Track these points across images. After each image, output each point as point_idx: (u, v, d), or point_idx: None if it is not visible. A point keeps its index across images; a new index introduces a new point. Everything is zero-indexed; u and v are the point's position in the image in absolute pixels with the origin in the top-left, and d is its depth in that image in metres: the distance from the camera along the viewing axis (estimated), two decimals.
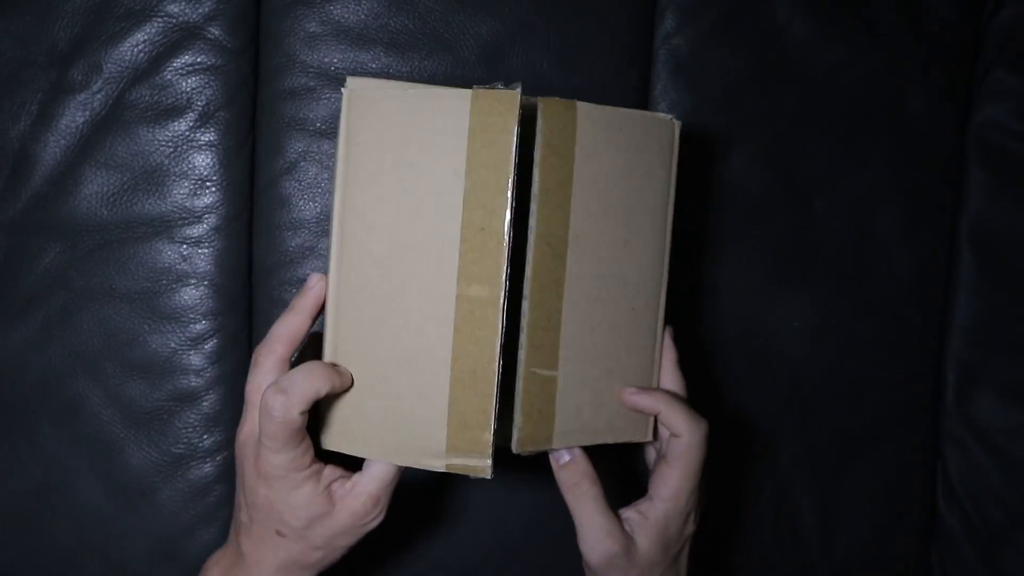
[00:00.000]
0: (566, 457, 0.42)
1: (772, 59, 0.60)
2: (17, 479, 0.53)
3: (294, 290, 0.55)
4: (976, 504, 0.62)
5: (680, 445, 0.42)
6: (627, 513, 0.43)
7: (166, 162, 0.54)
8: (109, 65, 0.53)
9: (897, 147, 0.62)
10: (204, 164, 0.54)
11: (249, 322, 0.55)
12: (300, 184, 0.55)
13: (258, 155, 0.55)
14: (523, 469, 0.57)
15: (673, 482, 0.42)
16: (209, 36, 0.54)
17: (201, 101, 0.54)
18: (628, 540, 0.42)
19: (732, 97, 0.59)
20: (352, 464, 0.40)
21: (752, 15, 0.60)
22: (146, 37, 0.53)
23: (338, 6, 0.55)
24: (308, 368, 0.37)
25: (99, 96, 0.53)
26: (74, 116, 0.53)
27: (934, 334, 0.64)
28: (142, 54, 0.53)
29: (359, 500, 0.39)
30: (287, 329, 0.40)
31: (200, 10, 0.54)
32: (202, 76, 0.54)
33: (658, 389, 0.44)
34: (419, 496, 0.56)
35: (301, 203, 0.55)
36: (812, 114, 0.60)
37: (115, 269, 0.53)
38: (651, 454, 0.47)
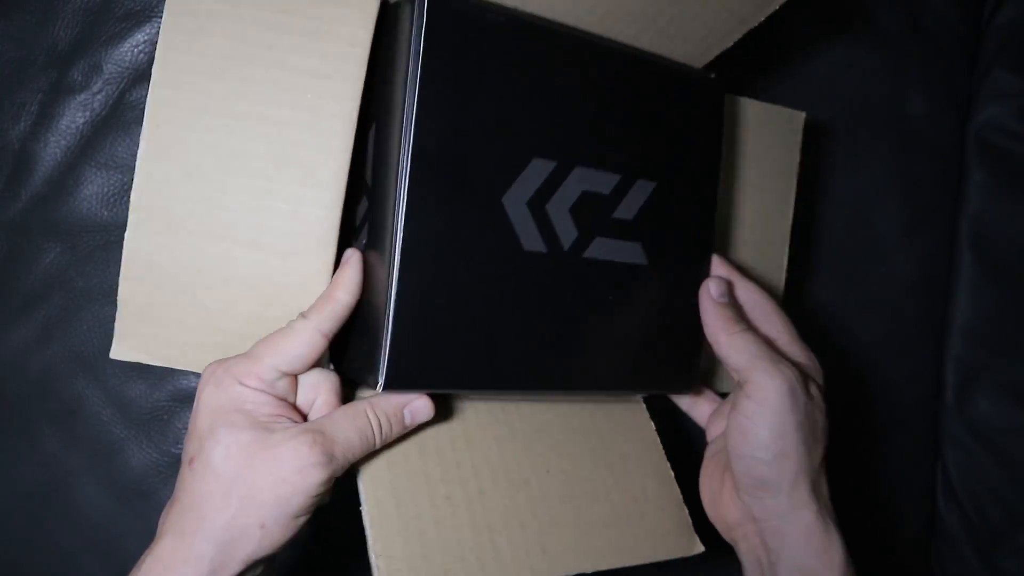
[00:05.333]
0: (725, 296, 0.42)
1: (772, 59, 0.60)
2: (17, 479, 0.53)
3: None
4: (976, 504, 0.62)
5: (759, 306, 0.43)
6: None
7: None
8: (109, 65, 0.53)
9: (897, 147, 0.62)
10: None
11: None
12: None
13: None
14: None
15: (795, 344, 0.42)
16: None
17: None
18: (802, 371, 0.39)
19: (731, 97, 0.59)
20: None
21: None
22: (146, 37, 0.53)
23: None
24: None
25: (99, 96, 0.53)
26: (74, 116, 0.53)
27: (934, 334, 0.64)
28: (142, 54, 0.53)
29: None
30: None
31: None
32: None
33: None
34: None
35: None
36: (811, 114, 0.60)
37: (115, 269, 0.52)
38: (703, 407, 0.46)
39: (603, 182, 0.40)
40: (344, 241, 0.39)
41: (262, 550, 0.35)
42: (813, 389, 0.39)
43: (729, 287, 0.42)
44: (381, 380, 0.35)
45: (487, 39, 0.36)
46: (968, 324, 0.63)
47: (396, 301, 0.35)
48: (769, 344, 0.41)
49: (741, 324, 0.40)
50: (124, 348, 0.37)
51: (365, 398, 0.38)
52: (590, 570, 0.41)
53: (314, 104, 0.37)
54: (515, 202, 0.37)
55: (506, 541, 0.40)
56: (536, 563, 0.40)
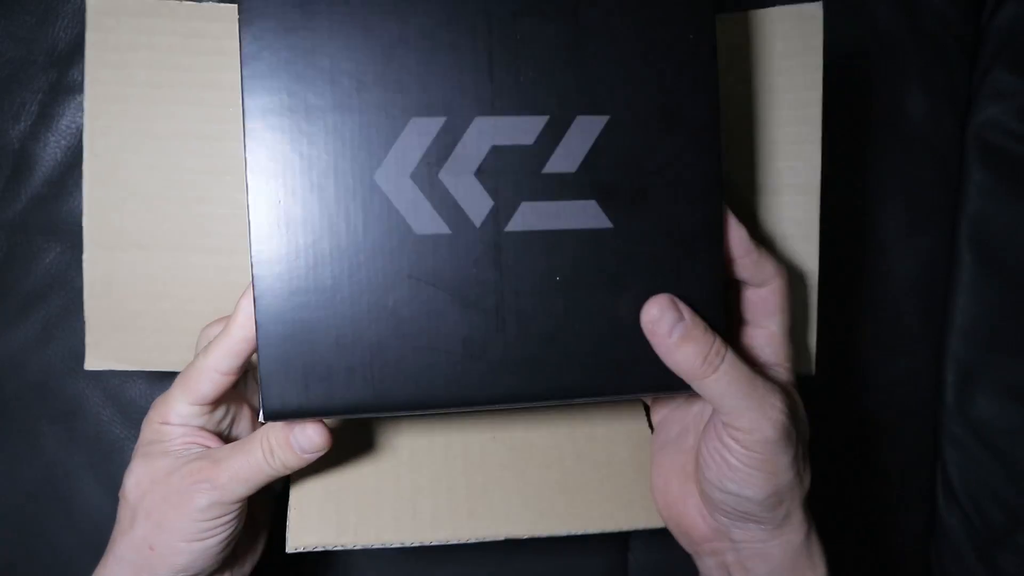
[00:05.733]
0: (681, 324, 0.31)
1: None
2: (17, 479, 0.53)
3: None
4: (976, 504, 0.62)
5: (774, 293, 0.34)
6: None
7: None
8: None
9: (897, 147, 0.62)
10: None
11: None
12: None
13: None
14: None
15: (780, 342, 0.35)
16: None
17: None
18: (791, 396, 0.34)
19: None
20: None
21: None
22: None
23: None
24: None
25: None
26: (74, 116, 0.53)
27: (934, 334, 0.64)
28: None
29: None
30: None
31: None
32: None
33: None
34: None
35: None
36: None
37: None
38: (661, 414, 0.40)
39: (521, 129, 0.30)
40: None
41: (159, 573, 0.35)
42: (798, 407, 0.35)
43: (676, 304, 0.32)
44: (261, 411, 0.31)
45: None
46: (968, 324, 0.63)
47: (260, 319, 0.30)
48: (755, 359, 0.36)
49: (718, 357, 0.31)
50: (96, 359, 0.41)
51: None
52: (525, 535, 0.39)
53: (239, 116, 0.39)
54: (393, 178, 0.30)
55: (430, 504, 0.39)
56: (460, 526, 0.39)
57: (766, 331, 0.35)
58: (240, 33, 0.30)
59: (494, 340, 0.31)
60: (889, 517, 0.63)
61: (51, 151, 0.53)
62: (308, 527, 0.38)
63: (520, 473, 0.41)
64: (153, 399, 0.53)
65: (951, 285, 0.64)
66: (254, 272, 0.30)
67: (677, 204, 0.32)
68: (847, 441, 0.62)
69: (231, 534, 0.36)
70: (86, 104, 0.40)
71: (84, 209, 0.40)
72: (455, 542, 0.40)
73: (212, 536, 0.35)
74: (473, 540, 0.40)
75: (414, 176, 0.30)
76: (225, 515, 0.35)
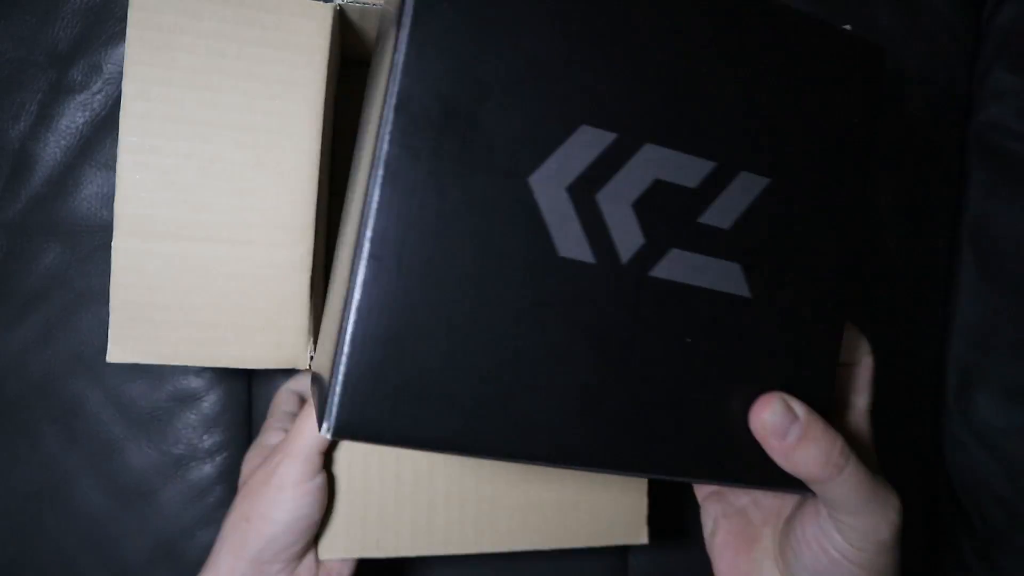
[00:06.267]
0: (797, 425, 0.28)
1: None
2: (17, 479, 0.53)
3: None
4: (976, 505, 0.62)
5: (865, 372, 0.33)
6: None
7: None
8: (109, 65, 0.53)
9: (897, 147, 0.62)
10: None
11: None
12: None
13: None
14: None
15: (866, 420, 0.33)
16: None
17: None
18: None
19: None
20: None
21: None
22: None
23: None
24: None
25: (99, 96, 0.53)
26: (74, 116, 0.53)
27: (934, 334, 0.64)
28: None
29: None
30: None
31: None
32: None
33: None
34: None
35: None
36: None
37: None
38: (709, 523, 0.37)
39: (688, 169, 0.28)
40: (328, 234, 0.44)
41: (252, 545, 0.39)
42: None
43: (788, 404, 0.29)
44: (329, 425, 0.25)
45: None
46: (968, 324, 0.63)
47: (356, 319, 0.25)
48: (857, 442, 0.33)
49: (842, 457, 0.29)
50: (119, 351, 0.39)
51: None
52: (524, 548, 0.44)
53: (281, 109, 0.39)
54: (549, 185, 0.26)
55: (443, 518, 0.43)
56: (468, 538, 0.43)
57: (859, 411, 0.33)
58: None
59: (616, 394, 0.27)
60: None
61: (51, 151, 0.53)
62: (337, 539, 0.43)
63: (525, 492, 0.44)
64: (154, 399, 0.54)
65: (951, 285, 0.64)
66: (368, 250, 0.25)
67: (813, 284, 0.30)
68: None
69: (315, 505, 0.40)
70: (125, 86, 0.38)
71: (116, 193, 0.39)
72: (464, 553, 0.43)
73: (298, 506, 0.39)
74: (480, 552, 0.43)
75: (571, 190, 0.26)
76: (306, 483, 0.39)
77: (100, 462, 0.53)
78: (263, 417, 0.55)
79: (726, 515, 0.36)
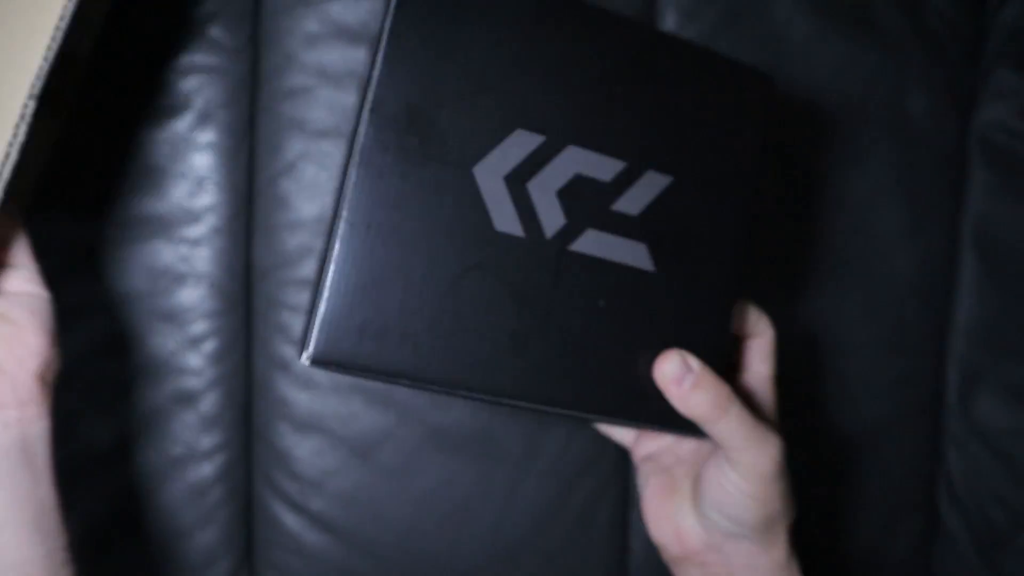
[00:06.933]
0: (691, 375, 0.35)
1: (772, 59, 0.60)
2: None
3: (293, 290, 0.55)
4: (978, 505, 0.62)
5: (766, 343, 0.40)
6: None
7: (165, 162, 0.53)
8: None
9: (898, 147, 0.62)
10: (203, 164, 0.54)
11: (248, 323, 0.55)
12: (299, 184, 0.55)
13: (257, 155, 0.55)
14: (523, 472, 0.57)
15: (769, 385, 0.40)
16: (208, 36, 0.54)
17: (200, 101, 0.54)
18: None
19: None
20: None
21: (753, 14, 0.59)
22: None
23: (337, 5, 0.54)
24: None
25: None
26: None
27: (936, 334, 0.63)
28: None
29: None
30: None
31: (199, 10, 0.54)
32: (201, 76, 0.54)
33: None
34: (417, 499, 0.56)
35: (300, 203, 0.55)
36: (812, 114, 0.60)
37: (114, 269, 0.53)
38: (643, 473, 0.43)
39: (603, 167, 0.35)
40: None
41: None
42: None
43: (686, 358, 0.36)
44: (308, 354, 0.32)
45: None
46: (970, 324, 0.63)
47: (335, 269, 0.32)
48: (752, 399, 0.40)
49: (719, 407, 0.35)
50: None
51: None
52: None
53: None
54: (489, 174, 0.34)
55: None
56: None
57: (759, 375, 0.40)
58: (390, 20, 0.33)
59: (537, 341, 0.34)
60: (890, 518, 0.63)
61: None
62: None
63: None
64: (151, 400, 0.54)
65: (953, 285, 0.64)
66: (345, 217, 0.32)
67: (709, 264, 0.37)
68: (848, 442, 0.62)
69: None
70: None
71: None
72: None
73: None
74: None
75: (507, 179, 0.34)
76: None
77: (100, 462, 0.53)
78: (263, 417, 0.55)
79: (655, 473, 0.42)
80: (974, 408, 0.63)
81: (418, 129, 0.33)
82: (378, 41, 0.33)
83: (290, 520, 0.55)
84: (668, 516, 0.41)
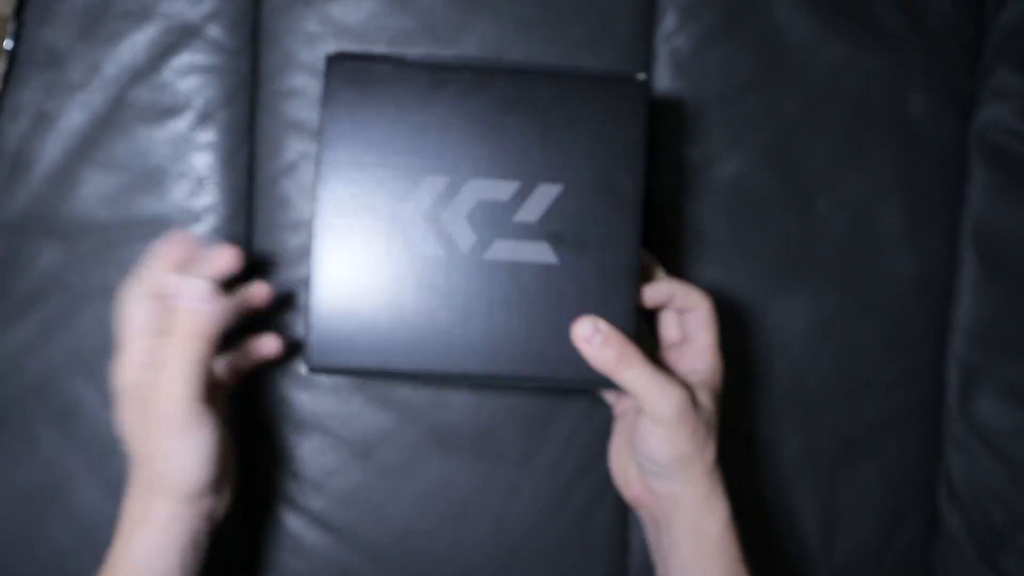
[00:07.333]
0: (599, 335, 0.43)
1: (773, 59, 0.60)
2: (17, 479, 0.53)
3: (293, 291, 0.55)
4: (978, 505, 0.62)
5: (703, 315, 0.46)
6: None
7: (165, 162, 0.53)
8: (108, 65, 0.53)
9: (898, 147, 0.62)
10: (203, 164, 0.54)
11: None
12: (299, 184, 0.55)
13: (257, 155, 0.55)
14: (523, 472, 0.57)
15: (709, 351, 0.46)
16: (208, 36, 0.54)
17: (200, 101, 0.54)
18: (691, 390, 0.44)
19: (732, 97, 0.59)
20: None
21: (753, 14, 0.59)
22: (145, 37, 0.53)
23: (338, 6, 0.54)
24: None
25: (98, 96, 0.53)
26: (73, 116, 0.53)
27: (936, 334, 0.63)
28: (141, 54, 0.53)
29: None
30: None
31: (199, 10, 0.54)
32: (201, 76, 0.54)
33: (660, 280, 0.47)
34: (417, 499, 0.56)
35: (300, 203, 0.55)
36: (812, 114, 0.60)
37: (114, 269, 0.53)
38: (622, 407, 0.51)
39: (500, 189, 0.43)
40: None
41: None
42: (705, 398, 0.45)
43: (597, 322, 0.43)
44: (309, 364, 0.43)
45: (377, 85, 0.43)
46: (970, 324, 0.63)
47: (315, 290, 0.43)
48: (673, 356, 0.48)
49: (623, 360, 0.42)
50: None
51: None
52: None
53: None
54: (412, 213, 0.43)
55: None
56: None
57: (701, 343, 0.47)
58: (325, 98, 0.43)
59: (471, 332, 0.43)
60: (890, 518, 0.63)
61: (50, 151, 0.53)
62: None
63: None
64: None
65: (953, 285, 0.64)
66: (317, 250, 0.43)
67: (606, 253, 0.44)
68: (847, 441, 0.62)
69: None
70: None
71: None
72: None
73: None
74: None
75: (425, 214, 0.43)
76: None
77: (100, 462, 0.53)
78: (262, 419, 0.55)
79: (620, 429, 0.50)
80: (974, 408, 0.63)
81: (361, 169, 0.43)
82: (322, 102, 0.43)
83: (290, 520, 0.55)
84: (620, 465, 0.49)
